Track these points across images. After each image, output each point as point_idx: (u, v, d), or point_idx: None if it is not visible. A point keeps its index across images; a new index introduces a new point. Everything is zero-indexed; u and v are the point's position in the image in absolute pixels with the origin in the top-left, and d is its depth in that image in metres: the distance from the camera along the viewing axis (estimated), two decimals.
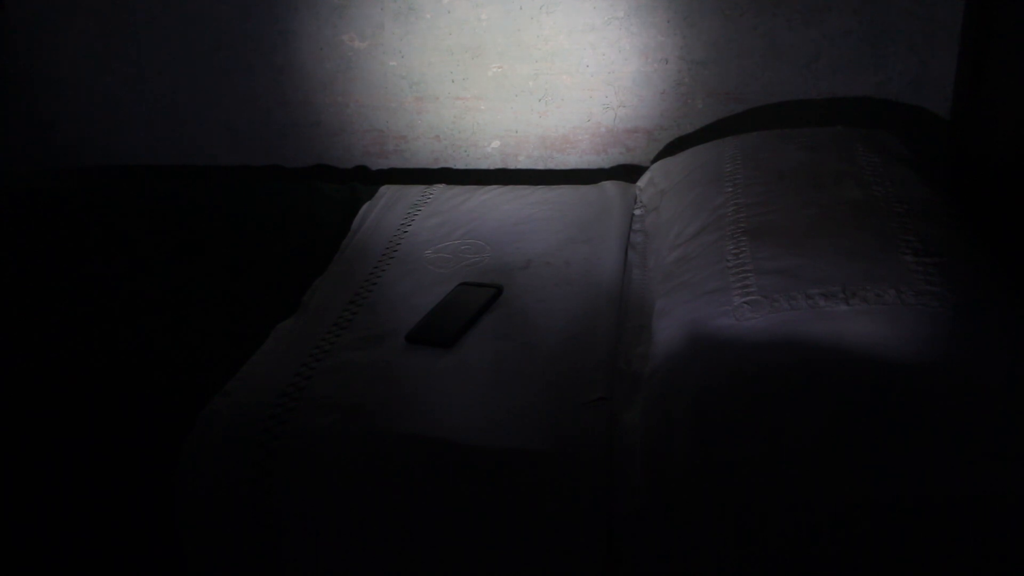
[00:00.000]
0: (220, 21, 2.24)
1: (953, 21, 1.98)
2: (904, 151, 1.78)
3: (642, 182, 2.00)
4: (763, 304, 1.29)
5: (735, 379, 1.21)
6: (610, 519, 1.18)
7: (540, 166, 2.27)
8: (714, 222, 1.55)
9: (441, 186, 2.04)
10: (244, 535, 1.25)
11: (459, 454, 1.23)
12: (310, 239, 1.86)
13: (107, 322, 1.59)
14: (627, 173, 2.18)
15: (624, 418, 1.30)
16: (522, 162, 2.27)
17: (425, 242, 1.79)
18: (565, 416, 1.28)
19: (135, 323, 1.58)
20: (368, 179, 2.29)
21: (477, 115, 2.24)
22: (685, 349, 1.30)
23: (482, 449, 1.23)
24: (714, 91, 2.13)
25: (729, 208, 1.57)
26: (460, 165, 2.30)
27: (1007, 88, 1.77)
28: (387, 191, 2.04)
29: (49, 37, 2.33)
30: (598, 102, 2.19)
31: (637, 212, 1.89)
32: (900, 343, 1.19)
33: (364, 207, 1.97)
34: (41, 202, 2.07)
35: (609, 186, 1.98)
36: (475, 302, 1.55)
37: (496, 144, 2.26)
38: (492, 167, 2.28)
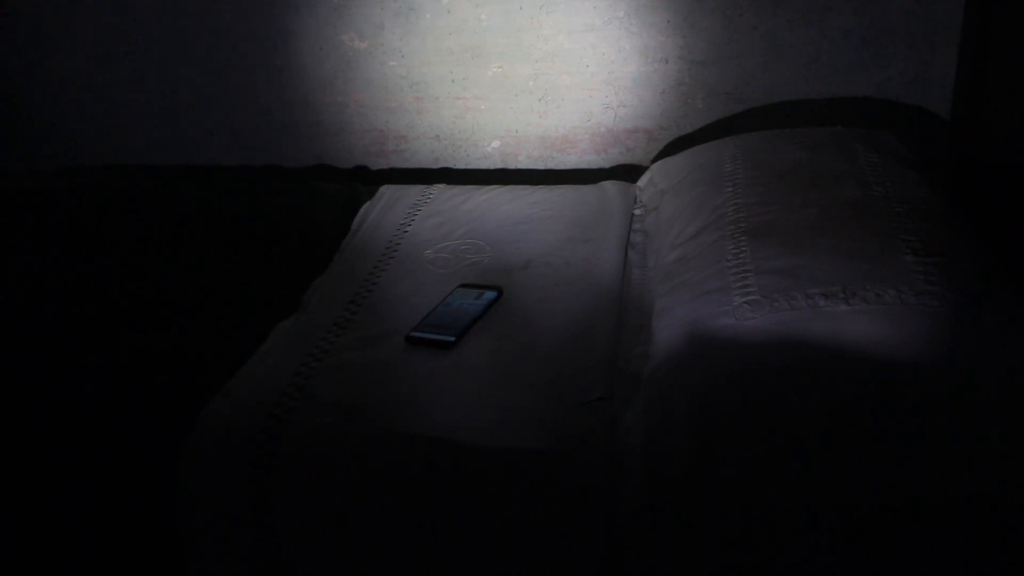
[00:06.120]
0: (220, 21, 2.24)
1: (953, 21, 1.98)
2: (904, 151, 1.78)
3: (642, 182, 2.00)
4: (763, 304, 1.29)
5: (735, 379, 1.21)
6: (610, 519, 1.18)
7: (540, 166, 2.27)
8: (714, 222, 1.55)
9: (441, 186, 2.04)
10: (244, 535, 1.25)
11: (459, 454, 1.23)
12: (310, 239, 1.86)
13: (107, 322, 1.59)
14: (627, 173, 2.18)
15: (624, 418, 1.30)
16: (522, 162, 2.27)
17: (425, 242, 1.79)
18: (565, 416, 1.28)
19: (135, 323, 1.58)
20: (368, 179, 2.29)
21: (477, 115, 2.24)
22: (685, 349, 1.30)
23: (482, 449, 1.23)
24: (714, 91, 2.13)
25: (729, 208, 1.57)
26: (460, 165, 2.30)
27: (1007, 88, 1.77)
28: (387, 191, 2.04)
29: (49, 37, 2.33)
30: (598, 102, 2.19)
31: (637, 212, 1.89)
32: (900, 343, 1.19)
33: (364, 207, 1.97)
34: (40, 202, 2.07)
35: (609, 186, 1.98)
36: (475, 304, 1.55)
37: (496, 144, 2.26)
38: (492, 167, 2.28)
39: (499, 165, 2.28)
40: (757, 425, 1.16)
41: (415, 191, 2.02)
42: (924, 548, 1.09)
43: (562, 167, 2.26)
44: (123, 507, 1.31)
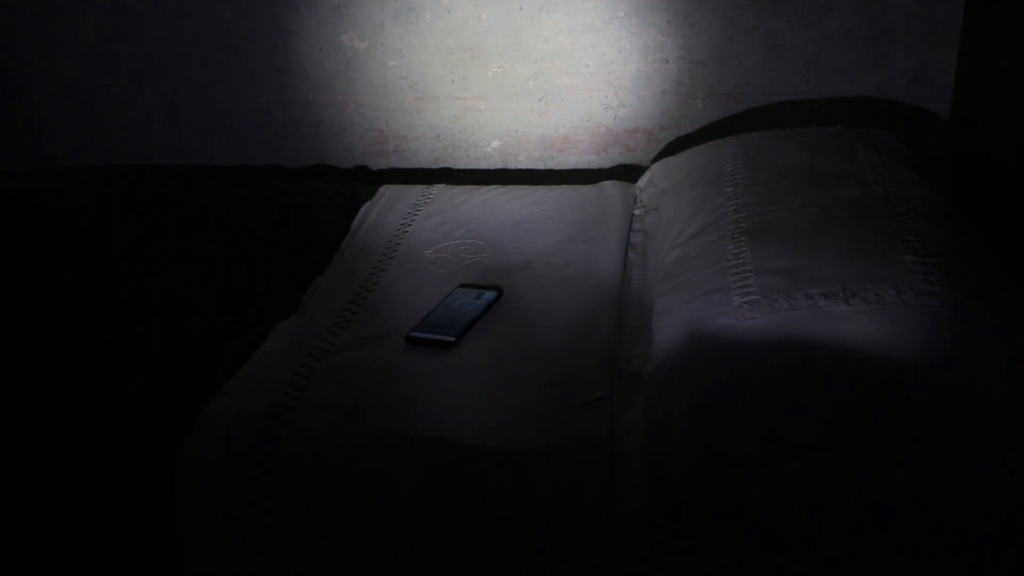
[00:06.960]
0: (220, 21, 2.24)
1: (953, 21, 1.98)
2: (904, 151, 1.78)
3: (642, 182, 2.00)
4: (763, 304, 1.29)
5: (735, 379, 1.21)
6: (610, 519, 1.18)
7: (540, 166, 2.27)
8: (714, 222, 1.55)
9: (441, 186, 2.05)
10: (244, 535, 1.25)
11: (459, 454, 1.23)
12: (310, 239, 1.86)
13: (107, 322, 1.59)
14: (627, 173, 2.18)
15: (624, 418, 1.30)
16: (522, 162, 2.27)
17: (425, 242, 1.79)
18: (565, 416, 1.28)
19: (135, 323, 1.58)
20: (368, 179, 2.29)
21: (477, 115, 2.24)
22: (685, 349, 1.30)
23: (482, 449, 1.23)
24: (714, 91, 2.13)
25: (729, 208, 1.57)
26: (460, 165, 2.30)
27: (1007, 88, 1.77)
28: (387, 191, 2.04)
29: (49, 37, 2.33)
30: (598, 102, 2.19)
31: (637, 212, 1.89)
32: (900, 343, 1.19)
33: (364, 207, 1.97)
34: (40, 202, 2.07)
35: (609, 186, 1.98)
36: (475, 304, 1.55)
37: (496, 144, 2.26)
38: (492, 167, 2.28)
39: (499, 165, 2.28)
40: (757, 425, 1.16)
41: (415, 191, 2.02)
42: (924, 548, 1.09)
43: (562, 167, 2.26)
44: (123, 508, 1.31)
